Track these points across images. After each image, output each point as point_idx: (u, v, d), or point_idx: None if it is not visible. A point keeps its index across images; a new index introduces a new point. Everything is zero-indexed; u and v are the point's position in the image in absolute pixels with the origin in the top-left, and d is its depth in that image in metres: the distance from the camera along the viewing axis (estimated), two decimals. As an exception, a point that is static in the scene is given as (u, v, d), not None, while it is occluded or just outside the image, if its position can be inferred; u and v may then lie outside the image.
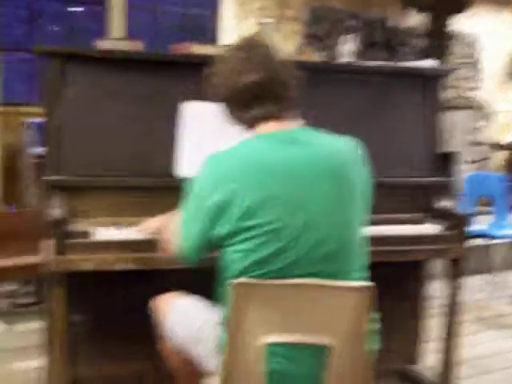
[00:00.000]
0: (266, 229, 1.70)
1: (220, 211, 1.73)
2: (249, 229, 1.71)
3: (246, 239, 1.72)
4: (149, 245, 2.20)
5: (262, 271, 1.73)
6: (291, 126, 1.85)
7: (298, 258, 1.72)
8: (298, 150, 1.76)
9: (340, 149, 1.83)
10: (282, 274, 1.72)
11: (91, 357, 2.58)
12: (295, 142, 1.78)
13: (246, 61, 1.80)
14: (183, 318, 2.07)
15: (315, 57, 6.65)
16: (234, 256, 1.76)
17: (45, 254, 2.25)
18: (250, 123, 1.84)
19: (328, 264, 1.76)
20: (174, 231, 1.91)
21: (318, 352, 1.76)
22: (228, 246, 1.77)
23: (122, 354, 2.60)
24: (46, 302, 2.48)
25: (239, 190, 1.70)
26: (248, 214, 1.70)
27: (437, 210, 2.78)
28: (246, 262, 1.74)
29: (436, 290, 3.11)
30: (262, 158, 1.74)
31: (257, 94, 1.80)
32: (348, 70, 2.81)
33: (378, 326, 1.92)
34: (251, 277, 1.73)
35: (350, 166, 1.82)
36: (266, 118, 1.82)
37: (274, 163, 1.73)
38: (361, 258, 1.87)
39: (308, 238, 1.72)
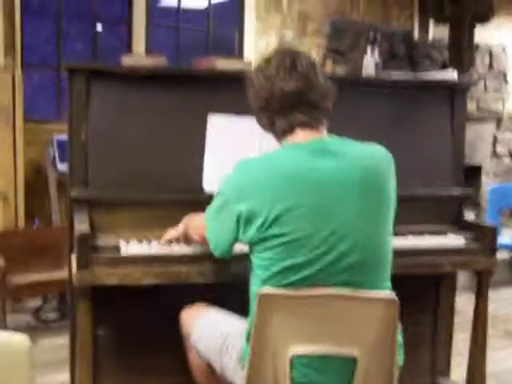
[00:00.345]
0: (289, 238, 1.71)
1: (245, 219, 1.76)
2: (273, 237, 1.72)
3: (271, 248, 1.74)
4: (174, 259, 2.21)
5: (286, 281, 1.73)
6: (325, 136, 1.88)
7: (322, 269, 1.72)
8: (329, 162, 1.77)
9: (373, 158, 1.84)
10: (307, 283, 1.72)
11: (116, 371, 2.58)
12: (327, 153, 1.79)
13: (289, 68, 1.83)
14: (209, 331, 2.08)
15: (337, 70, 6.66)
16: (260, 264, 1.78)
17: (71, 269, 2.27)
18: (285, 131, 1.86)
19: (354, 274, 1.75)
20: (202, 232, 2.00)
21: (345, 363, 1.75)
22: (253, 252, 1.80)
23: (147, 368, 2.60)
24: (71, 316, 2.49)
25: (266, 199, 1.72)
26: (273, 222, 1.71)
27: (463, 221, 2.76)
28: (270, 271, 1.75)
29: (465, 304, 3.08)
30: (292, 167, 1.76)
31: (296, 101, 1.83)
32: (372, 83, 2.81)
33: (401, 338, 1.91)
34: (276, 286, 1.73)
35: (382, 175, 1.83)
36: (301, 125, 1.85)
37: (303, 173, 1.75)
38: (388, 268, 1.86)
39: (334, 249, 1.73)
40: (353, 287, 1.74)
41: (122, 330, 2.55)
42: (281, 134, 1.89)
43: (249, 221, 1.75)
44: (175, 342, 2.29)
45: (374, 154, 1.86)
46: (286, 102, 1.83)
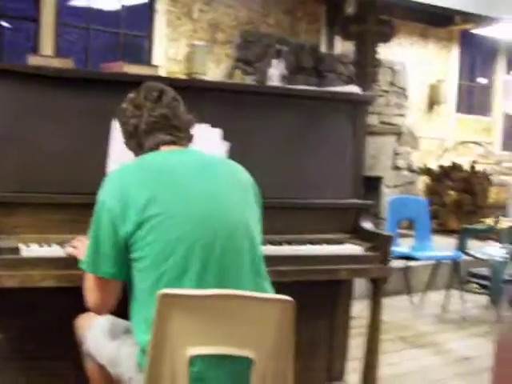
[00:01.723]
0: (162, 217, 1.85)
1: (120, 211, 1.86)
2: (149, 218, 1.85)
3: (149, 230, 1.84)
4: (75, 262, 2.20)
5: (159, 271, 1.83)
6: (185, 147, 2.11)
7: (187, 254, 1.84)
8: (193, 157, 2.04)
9: (233, 164, 2.11)
10: (179, 269, 1.83)
11: (14, 376, 2.53)
12: (191, 153, 2.06)
13: (155, 99, 2.08)
14: (100, 338, 2.09)
15: (245, 80, 6.76)
16: (139, 263, 1.87)
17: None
18: (153, 149, 2.06)
19: (224, 245, 1.88)
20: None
21: (243, 364, 1.80)
22: (132, 247, 1.87)
23: (46, 373, 2.56)
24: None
25: (137, 190, 1.88)
26: (147, 205, 1.86)
27: (360, 230, 2.87)
28: (148, 263, 1.85)
29: (361, 310, 3.20)
30: (159, 162, 1.99)
31: (162, 125, 2.06)
32: (276, 94, 2.88)
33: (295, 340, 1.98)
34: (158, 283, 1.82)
35: (241, 173, 2.08)
36: (167, 143, 2.06)
37: (161, 166, 1.97)
38: (256, 243, 1.98)
39: (198, 231, 1.87)
40: (218, 275, 1.85)
41: (20, 334, 2.50)
42: (147, 152, 2.07)
43: (125, 211, 1.86)
44: (74, 346, 2.28)
45: (232, 162, 2.13)
46: (153, 125, 2.06)
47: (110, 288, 1.96)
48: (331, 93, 3.05)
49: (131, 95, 2.13)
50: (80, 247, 2.18)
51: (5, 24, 6.44)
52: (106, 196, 1.91)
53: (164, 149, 2.05)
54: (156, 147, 2.05)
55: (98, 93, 2.51)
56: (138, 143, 2.09)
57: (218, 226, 1.89)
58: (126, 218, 1.86)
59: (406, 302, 5.31)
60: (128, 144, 2.15)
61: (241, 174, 2.09)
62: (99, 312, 2.03)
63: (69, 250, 2.25)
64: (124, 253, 1.89)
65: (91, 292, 1.97)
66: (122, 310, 2.03)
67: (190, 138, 2.13)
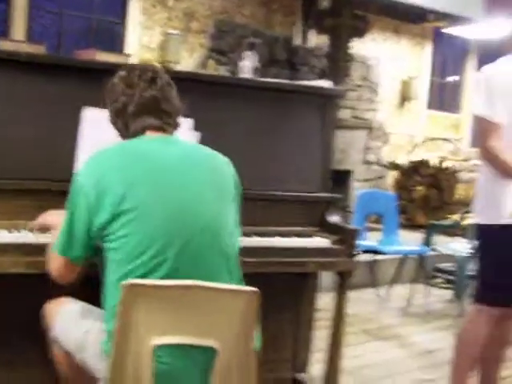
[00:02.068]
0: (137, 212, 1.83)
1: (96, 199, 1.85)
2: (122, 213, 1.83)
3: (123, 224, 1.83)
4: (44, 249, 2.20)
5: (131, 266, 1.82)
6: (168, 135, 2.06)
7: (159, 251, 1.83)
8: (175, 149, 1.99)
9: (215, 155, 2.07)
10: (157, 263, 1.82)
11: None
12: (174, 144, 2.02)
13: (149, 81, 2.02)
14: (69, 324, 2.09)
15: (219, 70, 6.75)
16: (113, 254, 1.87)
17: None
18: (138, 132, 2.02)
19: (197, 259, 1.87)
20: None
21: (206, 354, 1.82)
22: (107, 236, 1.87)
23: (12, 360, 2.55)
24: None
25: (117, 177, 1.86)
26: (118, 200, 1.83)
27: (327, 224, 2.90)
28: (122, 256, 1.84)
29: (327, 303, 3.23)
30: (141, 150, 1.95)
31: (151, 108, 2.01)
32: (246, 85, 2.89)
33: (259, 330, 2.01)
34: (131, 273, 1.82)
35: (222, 169, 2.04)
36: (153, 128, 2.02)
37: (150, 155, 1.93)
38: (233, 259, 1.98)
39: (176, 220, 1.86)
40: (197, 260, 1.86)
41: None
42: (133, 136, 2.03)
43: (100, 201, 1.85)
44: (41, 334, 2.27)
45: (216, 154, 2.07)
46: (142, 107, 2.01)
47: (76, 269, 1.99)
48: (302, 86, 3.07)
49: (123, 73, 2.07)
50: (51, 218, 2.20)
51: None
52: (84, 180, 1.90)
53: (149, 134, 2.01)
54: (142, 131, 2.01)
55: (70, 80, 2.50)
56: (124, 123, 2.05)
57: (191, 224, 1.88)
58: (100, 207, 1.85)
59: (371, 295, 5.38)
60: (114, 123, 2.10)
61: (223, 168, 2.05)
62: (61, 282, 2.05)
63: (39, 220, 2.24)
64: (96, 239, 1.90)
65: (55, 268, 2.01)
66: (94, 297, 2.05)
67: (176, 125, 2.09)
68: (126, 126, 2.04)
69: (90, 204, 1.86)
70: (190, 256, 1.86)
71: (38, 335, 2.30)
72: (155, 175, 1.89)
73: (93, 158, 1.95)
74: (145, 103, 2.00)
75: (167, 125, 2.04)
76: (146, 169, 1.89)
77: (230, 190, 2.03)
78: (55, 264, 2.00)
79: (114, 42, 6.70)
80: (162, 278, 1.82)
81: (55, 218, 2.16)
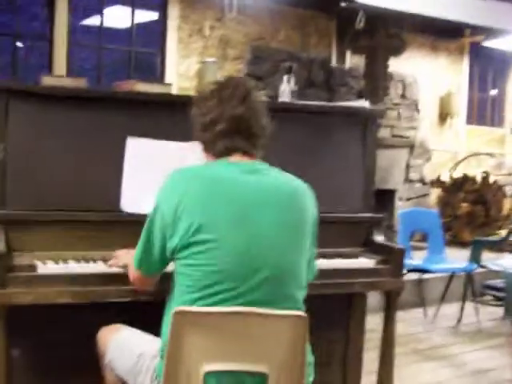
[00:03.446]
0: (206, 246, 1.81)
1: (172, 222, 1.85)
2: (194, 243, 1.82)
3: (191, 254, 1.82)
4: (92, 278, 2.24)
5: (194, 296, 1.83)
6: (257, 162, 2.00)
7: (226, 288, 1.81)
8: (255, 178, 1.91)
9: (295, 182, 2.00)
10: (223, 299, 1.80)
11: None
12: (255, 172, 1.93)
13: (242, 98, 1.97)
14: (123, 350, 2.11)
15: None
16: (182, 273, 1.87)
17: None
18: (223, 153, 1.97)
19: (266, 291, 1.84)
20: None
21: (256, 380, 1.81)
22: (177, 260, 1.88)
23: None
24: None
25: (193, 204, 1.83)
26: (193, 229, 1.81)
27: (373, 244, 2.88)
28: (192, 283, 1.84)
29: (375, 324, 3.20)
30: (220, 177, 1.89)
31: (240, 127, 1.96)
32: (288, 109, 2.90)
33: (312, 357, 1.99)
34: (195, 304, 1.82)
35: (302, 199, 1.96)
36: (239, 150, 1.97)
37: (229, 183, 1.87)
38: (301, 288, 1.95)
39: (246, 261, 1.82)
40: (264, 305, 1.81)
41: (37, 351, 2.53)
42: (218, 155, 1.99)
43: (174, 224, 1.84)
44: (92, 362, 2.30)
45: (297, 182, 2.01)
46: (231, 126, 1.94)
47: (151, 282, 2.08)
48: (342, 107, 3.08)
49: (212, 87, 2.03)
50: (121, 256, 2.26)
51: (19, 44, 6.53)
52: (163, 199, 1.90)
53: (234, 159, 1.95)
54: (227, 153, 1.96)
55: (111, 111, 2.55)
56: (211, 140, 1.98)
57: (264, 268, 1.83)
58: (175, 231, 1.85)
59: (419, 314, 5.30)
60: (198, 136, 2.05)
61: (305, 209, 1.96)
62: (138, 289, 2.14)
63: (111, 262, 2.29)
64: (170, 257, 1.93)
65: (133, 280, 2.09)
66: (148, 321, 2.08)
67: (263, 147, 2.02)
68: (213, 143, 1.98)
69: (165, 225, 1.88)
70: (256, 295, 1.83)
71: (90, 364, 2.32)
72: (233, 209, 1.84)
73: (173, 177, 1.93)
74: (234, 121, 1.94)
75: (253, 147, 1.99)
76: (224, 201, 1.85)
77: (307, 228, 1.96)
78: (132, 275, 2.09)
79: (152, 72, 6.81)
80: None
81: (128, 257, 2.18)
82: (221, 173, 1.91)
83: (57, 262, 2.30)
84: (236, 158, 1.96)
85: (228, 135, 1.95)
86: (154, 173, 2.43)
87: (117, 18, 6.78)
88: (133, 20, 6.72)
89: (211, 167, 1.98)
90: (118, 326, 2.23)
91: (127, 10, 6.66)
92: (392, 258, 2.75)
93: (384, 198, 7.02)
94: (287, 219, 1.90)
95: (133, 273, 2.08)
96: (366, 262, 2.74)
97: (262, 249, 1.84)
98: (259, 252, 1.84)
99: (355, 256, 2.80)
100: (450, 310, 5.29)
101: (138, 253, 2.01)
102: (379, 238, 2.90)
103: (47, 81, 2.66)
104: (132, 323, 2.22)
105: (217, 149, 1.98)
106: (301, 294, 1.95)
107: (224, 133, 1.95)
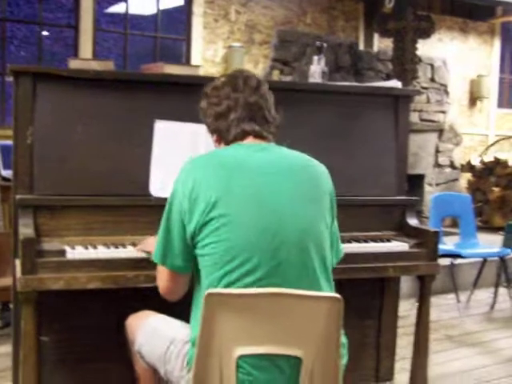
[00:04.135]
0: (228, 219, 1.81)
1: (188, 208, 1.85)
2: (212, 220, 1.81)
3: (212, 231, 1.81)
4: (121, 263, 2.21)
5: (219, 273, 1.80)
6: (266, 142, 2.03)
7: (248, 262, 1.79)
8: (267, 155, 1.95)
9: (305, 157, 2.03)
10: (245, 273, 1.79)
11: (61, 379, 2.55)
12: (266, 149, 1.97)
13: (254, 88, 2.04)
14: (152, 337, 2.08)
15: (284, 79, 6.71)
16: (203, 255, 1.85)
17: (15, 274, 2.23)
18: (237, 138, 2.01)
19: (289, 263, 1.82)
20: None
21: (291, 363, 1.77)
22: (197, 243, 1.86)
23: (93, 375, 2.57)
24: (15, 323, 2.45)
25: (208, 185, 1.84)
26: (214, 205, 1.82)
27: (407, 227, 2.82)
28: (213, 264, 1.82)
29: (408, 310, 3.15)
30: (233, 158, 1.92)
31: (255, 113, 2.01)
32: (318, 90, 2.85)
33: (345, 339, 1.95)
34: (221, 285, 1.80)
35: (314, 170, 1.99)
36: (253, 134, 2.01)
37: (239, 164, 1.90)
38: (327, 261, 1.93)
39: (267, 234, 1.81)
40: (288, 284, 1.79)
41: (67, 337, 2.52)
42: (231, 141, 2.01)
43: (193, 209, 1.84)
44: (121, 348, 2.28)
45: (308, 157, 2.03)
46: (247, 112, 2.00)
47: (179, 279, 1.99)
48: (374, 88, 3.00)
49: (224, 79, 2.08)
50: (148, 243, 2.22)
51: (44, 33, 6.54)
52: (179, 187, 1.90)
53: (249, 140, 2.00)
54: (242, 137, 2.00)
55: (139, 94, 2.51)
56: (225, 128, 2.02)
57: (284, 238, 1.83)
58: (192, 215, 1.84)
59: (452, 300, 5.22)
60: (211, 124, 2.07)
61: (320, 179, 1.99)
62: (169, 299, 2.05)
63: (138, 247, 2.28)
64: (191, 247, 1.89)
65: (161, 281, 2.01)
66: (176, 307, 2.04)
67: (275, 135, 2.06)
68: (227, 130, 2.01)
69: (182, 212, 1.87)
70: (280, 269, 1.81)
71: (118, 349, 2.30)
72: (249, 183, 1.86)
73: (188, 164, 1.94)
74: (250, 108, 2.00)
75: (267, 132, 2.03)
76: (240, 177, 1.87)
77: (327, 201, 1.98)
78: (160, 276, 2.01)
79: (178, 58, 6.78)
80: (251, 284, 1.78)
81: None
82: (234, 153, 1.95)
83: (86, 247, 2.28)
84: (248, 141, 2.00)
85: (244, 121, 2.00)
86: (182, 156, 2.39)
87: (142, 4, 6.75)
88: (158, 6, 6.69)
89: (223, 151, 2.00)
90: (147, 312, 2.20)
91: (152, -4, 6.64)
92: (426, 241, 2.70)
93: (413, 184, 6.93)
94: (306, 189, 1.93)
95: (160, 276, 2.01)
96: (399, 246, 2.69)
97: (283, 218, 1.84)
98: (280, 222, 1.83)
99: (388, 240, 2.75)
100: (483, 295, 5.21)
101: (158, 246, 1.96)
102: (413, 222, 2.84)
103: (74, 64, 2.62)
104: (160, 310, 2.19)
105: (230, 136, 2.01)
106: (328, 262, 1.94)
107: (240, 119, 2.00)
